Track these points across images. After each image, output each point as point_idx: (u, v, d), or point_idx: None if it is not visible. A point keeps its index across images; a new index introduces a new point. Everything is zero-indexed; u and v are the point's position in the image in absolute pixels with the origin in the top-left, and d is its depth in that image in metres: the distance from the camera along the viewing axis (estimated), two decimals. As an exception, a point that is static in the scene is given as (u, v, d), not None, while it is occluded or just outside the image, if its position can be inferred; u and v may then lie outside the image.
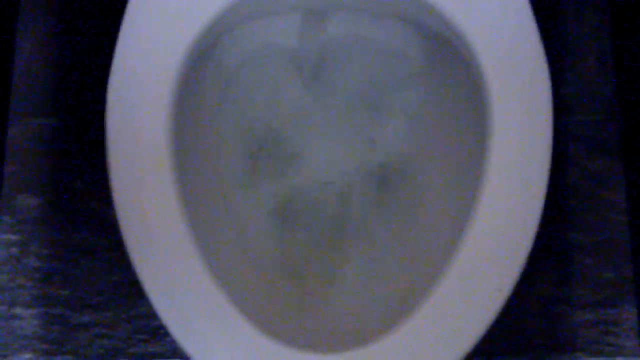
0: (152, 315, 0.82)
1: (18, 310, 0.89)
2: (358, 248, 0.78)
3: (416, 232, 0.76)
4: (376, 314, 0.73)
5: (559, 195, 0.92)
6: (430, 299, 0.61)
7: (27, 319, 0.88)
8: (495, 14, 0.67)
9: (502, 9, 0.67)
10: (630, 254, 0.90)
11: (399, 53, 0.81)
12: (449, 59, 0.76)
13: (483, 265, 0.62)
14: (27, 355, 0.88)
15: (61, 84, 0.95)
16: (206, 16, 0.67)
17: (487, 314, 0.61)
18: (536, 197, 0.63)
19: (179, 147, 0.66)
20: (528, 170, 0.64)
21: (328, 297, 0.76)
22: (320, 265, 0.77)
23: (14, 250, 0.90)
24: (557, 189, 0.92)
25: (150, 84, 0.65)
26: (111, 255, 0.89)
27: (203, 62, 0.75)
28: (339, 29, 0.81)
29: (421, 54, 0.81)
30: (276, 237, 0.78)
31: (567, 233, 0.91)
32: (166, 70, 0.66)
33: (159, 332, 0.88)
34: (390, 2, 0.77)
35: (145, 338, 0.88)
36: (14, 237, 0.90)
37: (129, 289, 0.89)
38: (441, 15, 0.68)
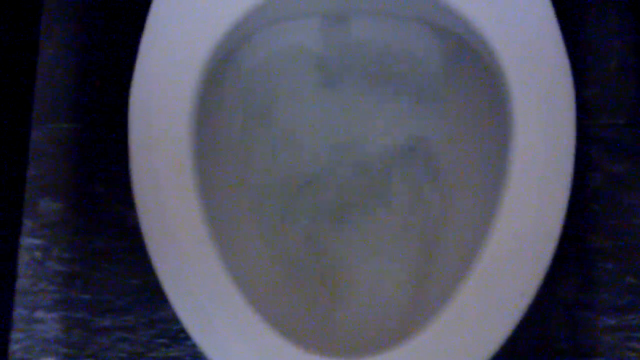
0: (173, 319, 0.82)
1: (40, 314, 0.89)
2: (376, 251, 0.78)
3: (437, 238, 0.76)
4: (393, 319, 0.73)
5: (581, 199, 0.91)
6: (452, 304, 0.60)
7: (49, 323, 0.89)
8: (517, 17, 0.66)
9: (524, 11, 0.67)
10: (653, 259, 0.89)
11: (420, 56, 0.81)
12: (470, 63, 0.75)
13: (506, 270, 0.61)
14: (49, 359, 0.88)
15: (83, 88, 0.95)
16: (227, 21, 0.67)
17: (510, 319, 0.60)
18: (559, 200, 0.63)
19: (201, 150, 0.66)
20: (551, 174, 0.63)
21: (348, 302, 0.75)
22: (341, 268, 0.77)
23: (36, 254, 0.91)
24: (579, 193, 0.91)
25: (172, 88, 0.66)
26: (132, 259, 0.90)
27: (224, 66, 0.76)
28: (361, 33, 0.81)
29: (442, 57, 0.80)
30: (296, 238, 0.78)
31: (589, 237, 0.90)
32: (188, 74, 0.66)
33: (180, 336, 0.88)
34: (411, 5, 0.76)
35: (166, 342, 0.88)
36: (36, 241, 0.91)
37: (150, 293, 0.89)
38: (462, 19, 0.68)
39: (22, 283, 0.90)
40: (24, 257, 0.91)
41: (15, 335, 0.89)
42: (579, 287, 0.89)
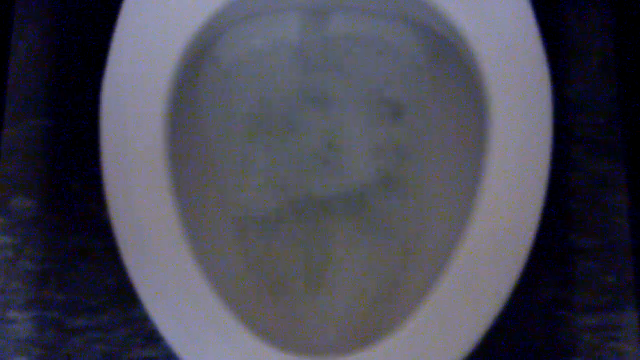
0: (148, 318, 0.81)
1: (12, 314, 0.88)
2: (350, 250, 0.77)
3: (411, 234, 0.76)
4: (369, 316, 0.73)
5: (561, 198, 0.91)
6: (427, 303, 0.61)
7: (22, 323, 0.88)
8: (495, 15, 0.67)
9: (503, 10, 0.67)
10: (632, 258, 0.89)
11: (400, 53, 0.81)
12: (450, 60, 0.75)
13: (481, 268, 0.61)
14: (22, 360, 0.87)
15: (56, 84, 0.95)
16: (202, 16, 0.67)
17: (485, 317, 0.61)
18: (535, 199, 0.63)
19: (174, 148, 0.65)
20: (527, 172, 0.63)
21: (322, 300, 0.75)
22: (313, 268, 0.77)
23: (8, 253, 0.90)
24: (559, 192, 0.91)
25: (145, 84, 0.65)
26: (107, 258, 0.89)
27: (200, 61, 0.75)
28: (340, 28, 0.81)
29: (422, 54, 0.81)
30: (271, 238, 0.78)
31: (569, 236, 0.90)
32: (162, 70, 0.65)
33: (155, 336, 0.87)
34: (391, 3, 0.76)
35: (141, 342, 0.88)
36: (8, 240, 0.90)
37: (124, 292, 0.88)
38: (441, 16, 0.68)
39: (-7, 283, 0.89)
40: (-5, 256, 0.90)
41: (-13, 335, 0.88)
42: (558, 285, 0.89)
